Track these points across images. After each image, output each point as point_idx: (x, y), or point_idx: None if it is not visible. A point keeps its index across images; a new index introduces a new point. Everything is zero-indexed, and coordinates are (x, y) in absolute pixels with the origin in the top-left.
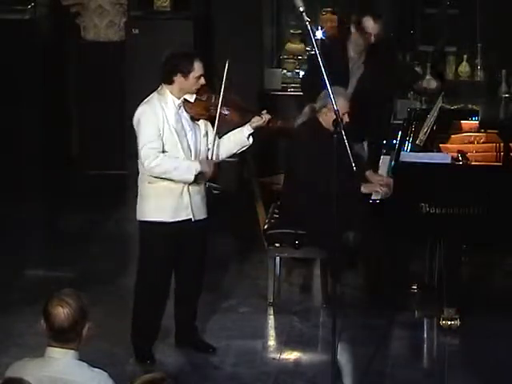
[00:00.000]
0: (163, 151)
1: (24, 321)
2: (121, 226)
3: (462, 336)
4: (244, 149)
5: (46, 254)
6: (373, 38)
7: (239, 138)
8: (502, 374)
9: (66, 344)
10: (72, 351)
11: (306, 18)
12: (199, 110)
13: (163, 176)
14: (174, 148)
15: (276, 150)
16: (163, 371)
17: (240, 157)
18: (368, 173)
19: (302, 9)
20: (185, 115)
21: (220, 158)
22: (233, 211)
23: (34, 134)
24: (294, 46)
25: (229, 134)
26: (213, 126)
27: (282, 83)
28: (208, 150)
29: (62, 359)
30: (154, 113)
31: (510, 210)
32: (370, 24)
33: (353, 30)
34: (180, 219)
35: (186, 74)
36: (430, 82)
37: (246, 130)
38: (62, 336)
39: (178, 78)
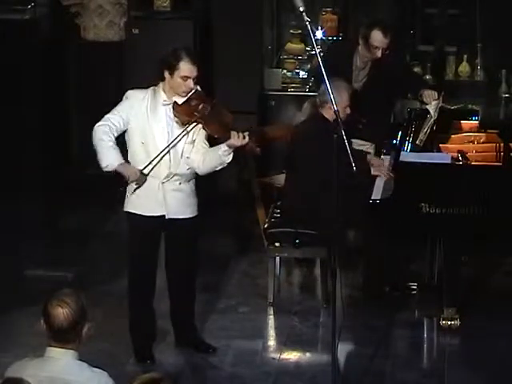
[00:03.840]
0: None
1: (24, 321)
2: (121, 225)
3: (462, 336)
4: (222, 166)
5: (46, 254)
6: (380, 52)
7: (216, 156)
8: (502, 374)
9: (65, 344)
10: (72, 351)
11: (306, 18)
12: (183, 115)
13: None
14: (149, 142)
15: (276, 149)
16: (163, 371)
17: (239, 157)
18: (369, 156)
19: (302, 9)
20: (170, 115)
21: (200, 171)
22: (233, 211)
23: (33, 133)
24: (294, 45)
25: (208, 150)
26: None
27: (282, 83)
28: (164, 150)
29: (61, 359)
30: (135, 96)
31: (509, 210)
32: (378, 37)
33: (361, 42)
34: (155, 214)
35: (171, 72)
36: None
37: (223, 148)
38: (62, 336)
39: (166, 75)
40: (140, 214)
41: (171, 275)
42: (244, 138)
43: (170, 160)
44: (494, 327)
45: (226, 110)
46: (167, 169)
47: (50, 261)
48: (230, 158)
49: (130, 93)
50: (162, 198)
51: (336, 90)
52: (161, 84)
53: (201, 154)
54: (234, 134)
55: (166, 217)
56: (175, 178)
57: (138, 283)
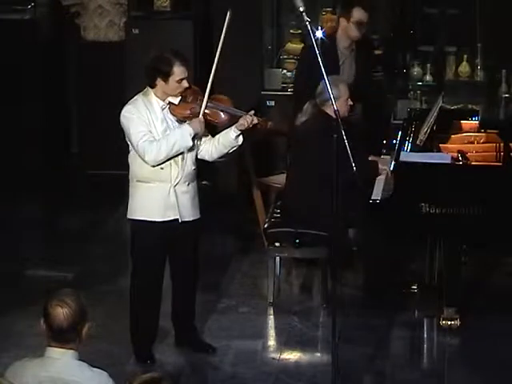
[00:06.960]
0: None
1: (24, 321)
2: (121, 226)
3: (462, 336)
4: (235, 149)
5: (46, 254)
6: (364, 28)
7: (227, 140)
8: (502, 374)
9: (65, 344)
10: (72, 351)
11: (306, 18)
12: (183, 112)
13: (169, 157)
14: None
15: (275, 149)
16: (163, 371)
17: (239, 157)
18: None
19: (302, 9)
20: (170, 117)
21: (212, 158)
22: (233, 211)
23: (33, 133)
24: (294, 45)
25: (217, 136)
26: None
27: (282, 83)
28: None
29: (61, 359)
30: (138, 110)
31: (509, 210)
32: (360, 13)
33: (342, 21)
34: (167, 219)
35: (165, 78)
36: None
37: (233, 131)
38: (62, 336)
39: (159, 82)
40: (149, 221)
41: (176, 276)
42: (252, 118)
43: (182, 161)
44: (494, 327)
45: (221, 95)
46: (180, 171)
47: (50, 261)
48: (241, 139)
49: (129, 109)
50: (174, 201)
51: (333, 85)
52: (151, 90)
53: (208, 143)
54: (243, 117)
55: (180, 220)
56: (184, 179)
57: (146, 287)
